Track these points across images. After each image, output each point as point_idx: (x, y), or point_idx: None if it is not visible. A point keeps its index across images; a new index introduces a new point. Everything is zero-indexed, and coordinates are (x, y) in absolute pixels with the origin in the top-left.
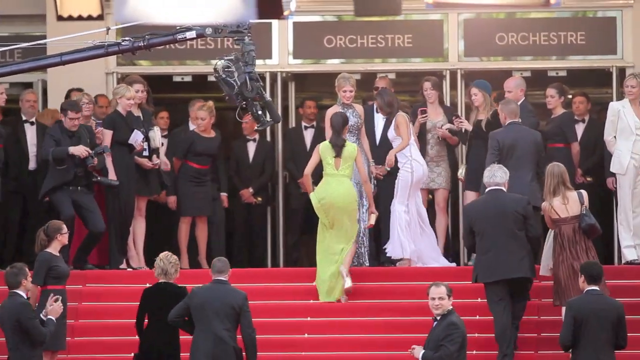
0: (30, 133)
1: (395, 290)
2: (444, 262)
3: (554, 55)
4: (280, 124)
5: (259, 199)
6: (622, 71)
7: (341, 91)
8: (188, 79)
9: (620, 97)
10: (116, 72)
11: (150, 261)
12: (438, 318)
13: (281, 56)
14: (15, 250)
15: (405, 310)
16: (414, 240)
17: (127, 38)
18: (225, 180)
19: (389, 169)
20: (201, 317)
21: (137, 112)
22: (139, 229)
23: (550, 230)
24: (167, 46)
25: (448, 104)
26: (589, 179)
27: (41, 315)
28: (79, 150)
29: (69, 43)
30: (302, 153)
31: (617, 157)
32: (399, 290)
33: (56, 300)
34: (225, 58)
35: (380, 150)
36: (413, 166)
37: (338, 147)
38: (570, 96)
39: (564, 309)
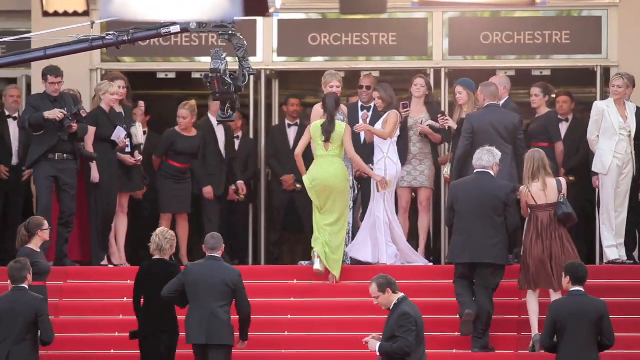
0: (13, 128)
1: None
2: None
3: (539, 55)
4: (264, 122)
5: (242, 196)
6: (606, 71)
7: (327, 87)
8: (172, 75)
9: (605, 96)
10: (100, 69)
11: (131, 258)
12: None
13: (265, 54)
14: None
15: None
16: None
17: (111, 32)
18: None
19: (361, 123)
20: (195, 294)
21: (118, 109)
22: (120, 225)
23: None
24: (151, 43)
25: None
26: (571, 178)
27: None
28: (54, 113)
29: (53, 38)
30: (285, 151)
31: (599, 157)
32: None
33: None
34: (223, 58)
35: (365, 149)
36: (387, 164)
37: (328, 133)
38: (554, 95)
39: None
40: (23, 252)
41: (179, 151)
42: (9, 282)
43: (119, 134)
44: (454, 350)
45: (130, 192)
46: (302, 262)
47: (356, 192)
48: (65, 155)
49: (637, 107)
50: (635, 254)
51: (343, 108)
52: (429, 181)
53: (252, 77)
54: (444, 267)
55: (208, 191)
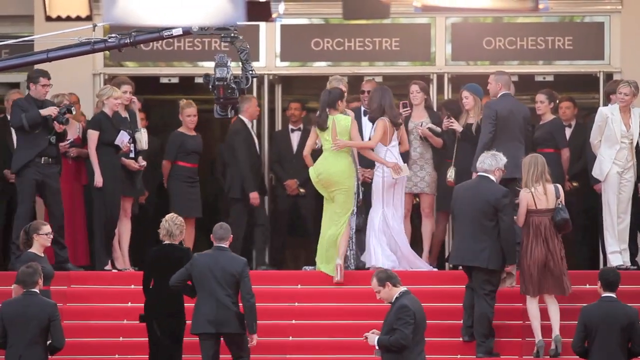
0: None
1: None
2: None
3: (541, 60)
4: (267, 127)
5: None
6: (609, 76)
7: None
8: (175, 80)
9: (607, 102)
10: (103, 73)
11: (135, 262)
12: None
13: (268, 59)
14: (0, 251)
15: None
16: (393, 245)
17: (113, 35)
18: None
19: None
20: (203, 284)
21: (123, 113)
22: (124, 230)
23: None
24: (154, 47)
25: (435, 109)
26: (574, 184)
27: None
28: (50, 110)
29: (56, 42)
30: (288, 156)
31: (599, 163)
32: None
33: None
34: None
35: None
36: (385, 170)
37: (318, 124)
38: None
39: None
40: (27, 256)
41: (189, 151)
42: (12, 285)
43: (122, 139)
44: (458, 356)
45: (134, 196)
46: (306, 267)
47: (360, 197)
48: (50, 159)
49: None
50: (639, 259)
51: (349, 112)
52: (429, 187)
53: (255, 81)
54: (448, 272)
55: (255, 197)
